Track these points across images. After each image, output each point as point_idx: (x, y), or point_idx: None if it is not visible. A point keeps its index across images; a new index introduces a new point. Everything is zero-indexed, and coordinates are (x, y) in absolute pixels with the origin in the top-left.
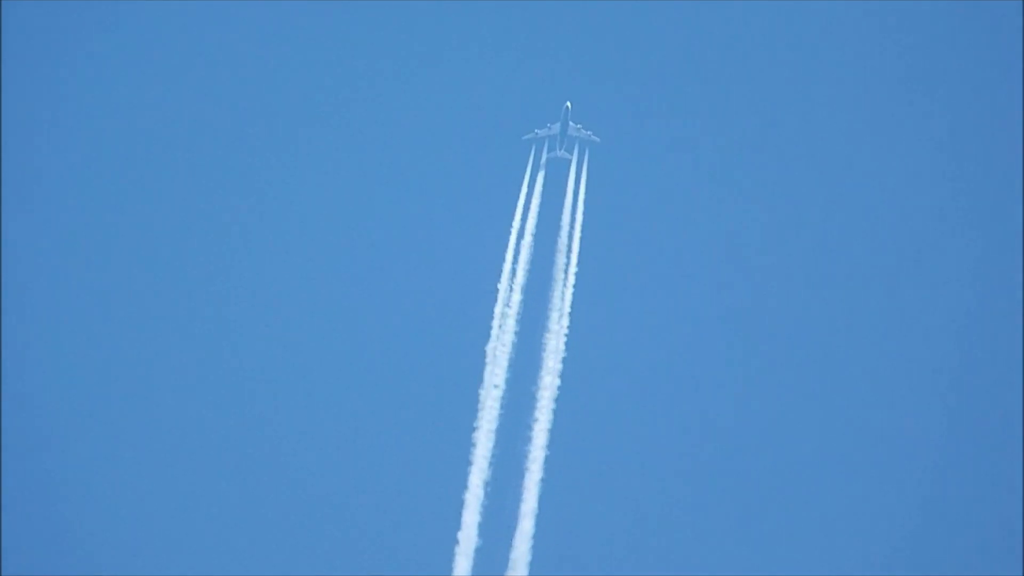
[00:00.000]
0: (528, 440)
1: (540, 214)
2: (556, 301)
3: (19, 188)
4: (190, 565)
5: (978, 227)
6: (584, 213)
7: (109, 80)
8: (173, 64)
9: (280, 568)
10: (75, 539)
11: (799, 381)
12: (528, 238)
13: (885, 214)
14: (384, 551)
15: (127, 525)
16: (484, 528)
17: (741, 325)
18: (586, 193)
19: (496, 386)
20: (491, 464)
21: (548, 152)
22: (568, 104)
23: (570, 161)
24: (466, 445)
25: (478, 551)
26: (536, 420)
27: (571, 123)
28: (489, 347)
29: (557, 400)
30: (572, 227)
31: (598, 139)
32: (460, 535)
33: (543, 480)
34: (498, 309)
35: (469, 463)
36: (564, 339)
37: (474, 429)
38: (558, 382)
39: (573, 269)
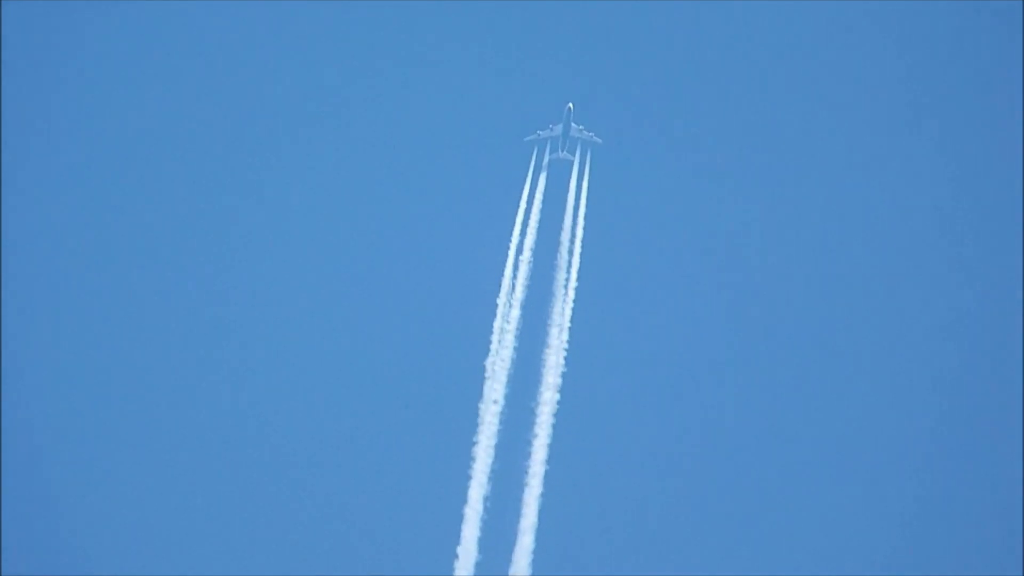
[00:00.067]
0: (528, 455)
1: (542, 216)
2: (556, 316)
3: (19, 188)
4: (190, 566)
5: (978, 227)
6: (586, 216)
7: (109, 80)
8: (173, 64)
9: None
10: (75, 539)
11: (801, 388)
12: (528, 251)
13: (886, 215)
14: (384, 566)
15: (127, 525)
16: (484, 543)
17: (744, 334)
18: (588, 195)
19: (495, 401)
20: (491, 479)
21: (550, 153)
22: (570, 105)
23: (572, 163)
24: (466, 459)
25: (478, 566)
26: (536, 435)
27: (573, 124)
28: (488, 362)
29: (557, 415)
30: (573, 231)
31: (600, 140)
32: (460, 550)
33: (543, 495)
34: (497, 324)
35: (469, 478)
36: (564, 354)
37: (474, 444)
38: (558, 397)
39: (573, 283)
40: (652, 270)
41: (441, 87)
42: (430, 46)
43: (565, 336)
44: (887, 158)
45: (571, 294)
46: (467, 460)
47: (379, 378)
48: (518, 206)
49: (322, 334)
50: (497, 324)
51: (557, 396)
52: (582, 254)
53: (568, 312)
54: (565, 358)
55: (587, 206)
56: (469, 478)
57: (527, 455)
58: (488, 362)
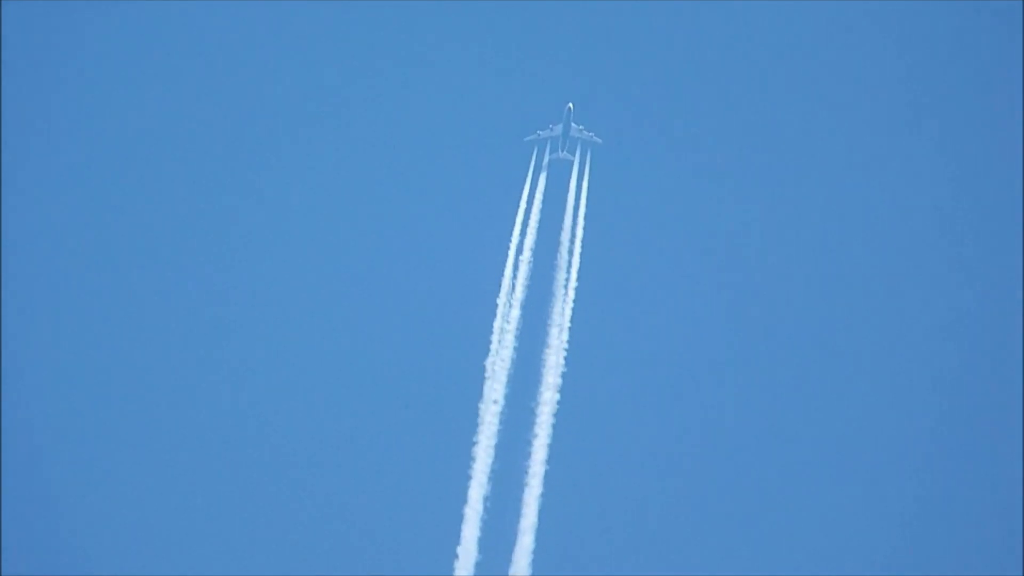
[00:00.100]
0: (528, 455)
1: (542, 216)
2: (556, 316)
3: (19, 188)
4: (190, 567)
5: (978, 227)
6: (586, 216)
7: (109, 80)
8: (173, 64)
9: None
10: (75, 539)
11: (801, 388)
12: (528, 252)
13: (886, 215)
14: (384, 566)
15: (127, 525)
16: (484, 543)
17: (744, 334)
18: (588, 195)
19: (495, 401)
20: (491, 479)
21: (550, 153)
22: (570, 105)
23: (572, 163)
24: (466, 459)
25: (478, 566)
26: (536, 435)
27: (573, 124)
28: (488, 362)
29: (557, 415)
30: (573, 231)
31: (600, 140)
32: (460, 550)
33: (543, 495)
34: (497, 324)
35: (469, 478)
36: (564, 354)
37: (474, 443)
38: (558, 397)
39: (573, 283)
40: (652, 270)
41: (441, 87)
42: (430, 46)
43: (565, 336)
44: (887, 158)
45: (571, 294)
46: (467, 460)
47: (379, 378)
48: (518, 206)
49: (322, 334)
50: (497, 324)
51: (557, 396)
52: (582, 254)
53: (568, 312)
54: (565, 358)
55: (587, 206)
56: (469, 478)
57: (527, 455)
58: (488, 362)
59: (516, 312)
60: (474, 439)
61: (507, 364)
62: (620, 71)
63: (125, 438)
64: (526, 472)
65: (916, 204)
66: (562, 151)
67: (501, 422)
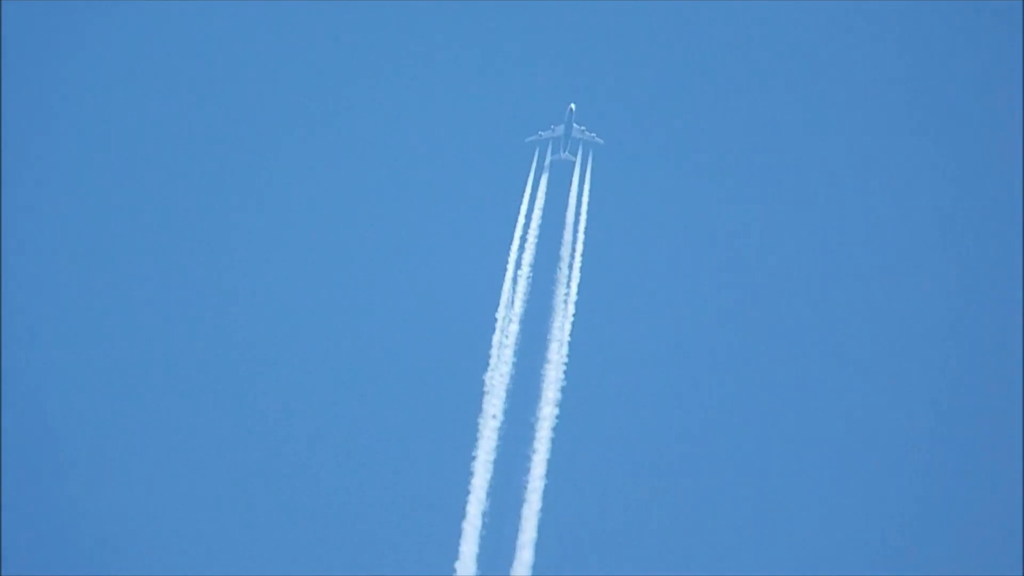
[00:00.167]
0: (527, 470)
1: (543, 218)
2: (556, 331)
3: (19, 188)
4: (190, 567)
5: (978, 227)
6: (587, 218)
7: (109, 80)
8: (173, 64)
9: None
10: (75, 539)
11: (801, 395)
12: (527, 267)
13: (887, 215)
14: None
15: (128, 525)
16: (482, 559)
17: (747, 345)
18: (589, 196)
19: (494, 416)
20: (489, 494)
21: (552, 154)
22: (572, 106)
23: (574, 163)
24: (465, 474)
25: None
26: (535, 450)
27: (575, 125)
28: (487, 376)
29: (556, 430)
30: (575, 234)
31: (602, 141)
32: (458, 565)
33: (542, 510)
34: (496, 338)
35: (467, 492)
36: (563, 369)
37: (473, 458)
38: (557, 412)
39: (573, 298)
40: (653, 274)
41: (443, 88)
42: (431, 47)
43: (565, 351)
44: (887, 158)
45: (571, 308)
46: (466, 475)
47: (378, 391)
48: (520, 206)
49: (320, 345)
50: (496, 338)
51: (556, 411)
52: (583, 257)
53: (568, 327)
54: (564, 373)
55: (588, 207)
56: (468, 493)
57: (526, 470)
58: (487, 376)
59: (515, 327)
60: (473, 454)
61: (506, 379)
62: (622, 72)
63: (126, 437)
64: (525, 487)
65: (916, 204)
66: (564, 152)
67: (500, 437)
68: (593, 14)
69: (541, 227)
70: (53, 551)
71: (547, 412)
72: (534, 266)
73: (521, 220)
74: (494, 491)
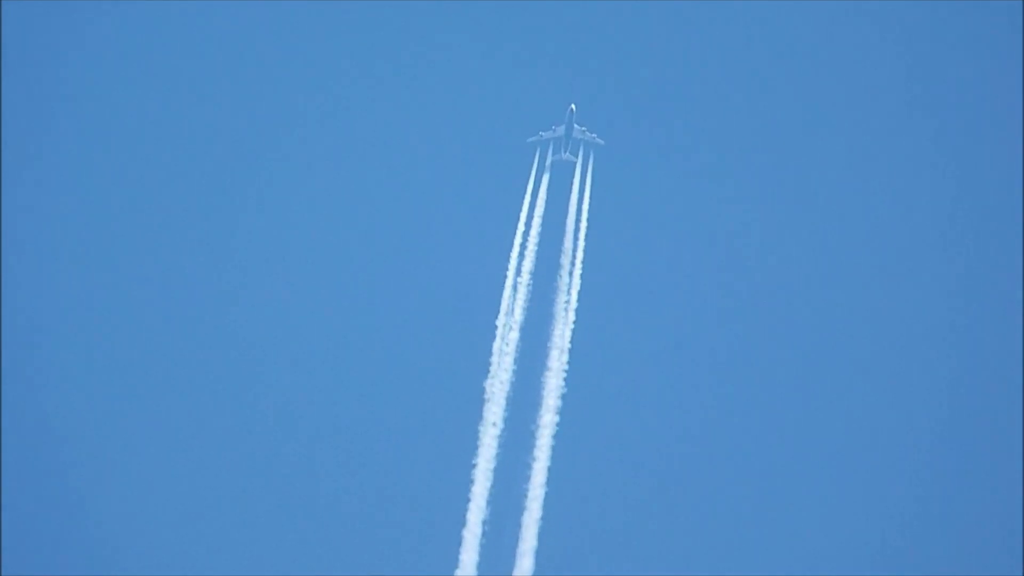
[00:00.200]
0: (527, 478)
1: (544, 220)
2: (556, 339)
3: (19, 188)
4: (191, 566)
5: (978, 227)
6: (588, 219)
7: (109, 80)
8: (173, 64)
9: None
10: (75, 539)
11: (803, 399)
12: (527, 274)
13: (887, 215)
14: None
15: (128, 525)
16: (482, 567)
17: (749, 352)
18: (590, 196)
19: (495, 424)
20: (490, 502)
21: (553, 155)
22: (573, 107)
23: (575, 164)
24: (465, 482)
25: None
26: (535, 458)
27: (576, 125)
28: (488, 383)
29: (556, 438)
30: (576, 236)
31: (603, 142)
32: (458, 573)
33: (542, 519)
34: (497, 345)
35: (468, 500)
36: (564, 376)
37: (473, 466)
38: (557, 419)
39: (574, 305)
40: (654, 280)
41: (443, 89)
42: (432, 48)
43: (565, 358)
44: (888, 158)
45: (571, 316)
46: (466, 483)
47: (378, 398)
48: (520, 207)
49: (320, 350)
50: (496, 345)
51: (557, 419)
52: (584, 260)
53: (568, 334)
54: (565, 380)
55: (589, 209)
56: (468, 501)
57: (526, 478)
58: (487, 384)
59: (515, 334)
60: (473, 461)
61: (506, 386)
62: (623, 73)
63: (126, 438)
64: (525, 495)
65: (917, 205)
66: (565, 152)
67: (500, 444)
68: (594, 14)
69: (542, 231)
70: (53, 551)
71: (547, 420)
72: (534, 273)
73: (521, 225)
74: (494, 499)
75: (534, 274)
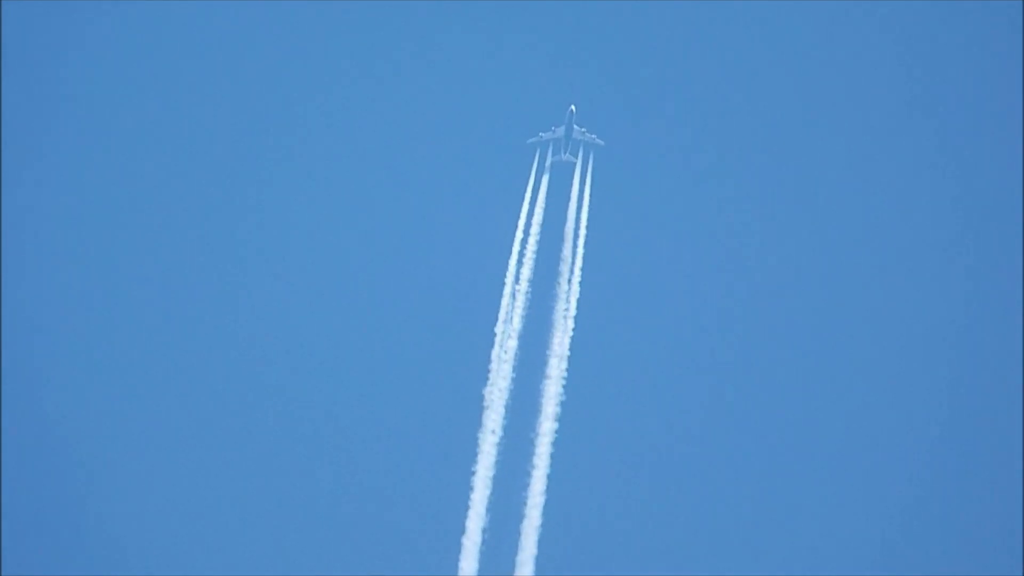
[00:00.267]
0: (526, 486)
1: (544, 222)
2: (556, 347)
3: (19, 188)
4: (192, 566)
5: (978, 227)
6: (588, 220)
7: (109, 80)
8: (173, 64)
9: None
10: (75, 539)
11: (805, 403)
12: (524, 284)
13: (888, 215)
14: None
15: (128, 525)
16: (482, 574)
17: (750, 357)
18: (591, 197)
19: (494, 431)
20: (489, 510)
21: (552, 156)
22: (572, 107)
23: (574, 165)
24: (464, 490)
25: None
26: (535, 466)
27: (576, 126)
28: (487, 391)
29: (555, 445)
30: (576, 237)
31: (602, 143)
32: None
33: (541, 527)
34: (495, 352)
35: (467, 508)
36: (562, 384)
37: (472, 474)
38: (556, 427)
39: (573, 313)
40: (654, 286)
41: (443, 89)
42: (432, 47)
43: (564, 366)
44: (890, 160)
45: (570, 324)
46: (465, 490)
47: (377, 404)
48: (520, 209)
49: (317, 356)
50: (495, 353)
51: (556, 426)
52: (583, 267)
53: (567, 342)
54: (564, 387)
55: (589, 210)
56: (467, 508)
57: (525, 486)
58: (487, 391)
59: (514, 342)
60: (472, 469)
61: (505, 393)
62: (622, 73)
63: (126, 438)
64: (524, 503)
65: (918, 206)
66: (564, 153)
67: (500, 452)
68: (594, 15)
69: (541, 235)
70: (53, 551)
71: (547, 427)
72: (533, 281)
73: (519, 233)
74: (493, 506)
75: (533, 281)
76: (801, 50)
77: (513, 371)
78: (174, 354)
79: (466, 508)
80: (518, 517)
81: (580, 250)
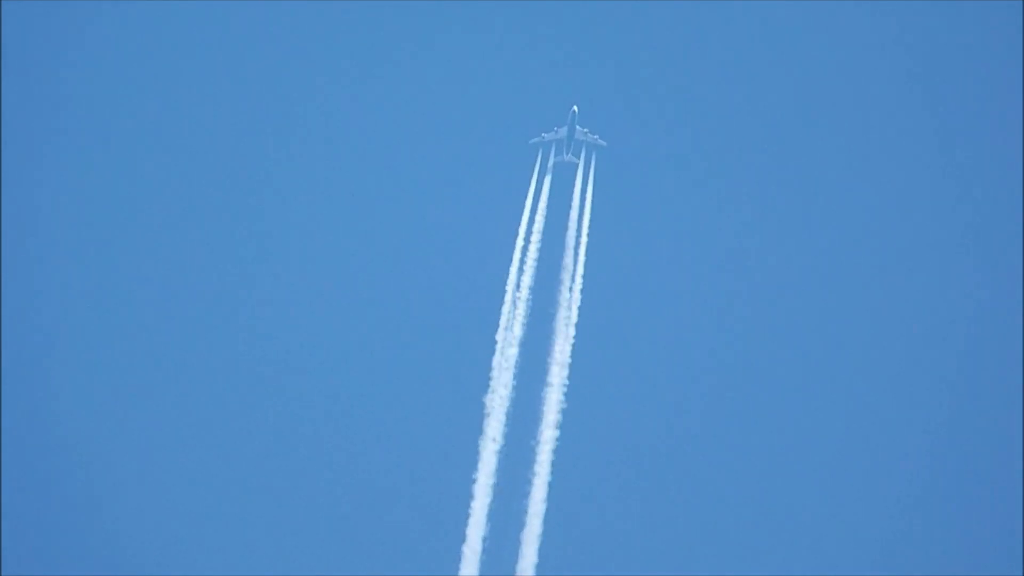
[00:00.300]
0: (527, 494)
1: (546, 223)
2: (557, 354)
3: (19, 188)
4: (193, 566)
5: (978, 227)
6: (590, 222)
7: (110, 80)
8: (174, 64)
9: None
10: (75, 539)
11: (807, 406)
12: (525, 292)
13: (889, 216)
14: None
15: (129, 525)
16: None
17: (751, 365)
18: (592, 198)
19: (494, 439)
20: (489, 518)
21: (555, 156)
22: (575, 108)
23: (577, 165)
24: (465, 497)
25: None
26: (536, 474)
27: (578, 127)
28: (488, 398)
29: (556, 453)
30: (578, 238)
31: (605, 143)
32: None
33: (542, 535)
34: (497, 360)
35: (468, 516)
36: (564, 391)
37: (473, 481)
38: (557, 434)
39: (574, 321)
40: (656, 290)
41: (445, 90)
42: (433, 48)
43: (565, 373)
44: (892, 161)
45: (571, 331)
46: (466, 498)
47: (377, 411)
48: (523, 209)
49: (317, 363)
50: (496, 360)
51: (557, 434)
52: (584, 274)
53: (568, 350)
54: (565, 395)
55: (592, 209)
56: (468, 516)
57: (526, 494)
58: (487, 399)
59: (515, 350)
60: (473, 477)
61: (506, 401)
62: (625, 74)
63: (127, 437)
64: (525, 512)
65: (918, 206)
66: (567, 154)
67: (500, 460)
68: (596, 15)
69: (543, 240)
70: (53, 551)
71: (548, 435)
72: (534, 288)
73: (520, 240)
74: (494, 515)
75: (534, 288)
76: (803, 51)
77: (514, 379)
78: (175, 355)
79: (467, 516)
80: (519, 525)
81: (582, 257)
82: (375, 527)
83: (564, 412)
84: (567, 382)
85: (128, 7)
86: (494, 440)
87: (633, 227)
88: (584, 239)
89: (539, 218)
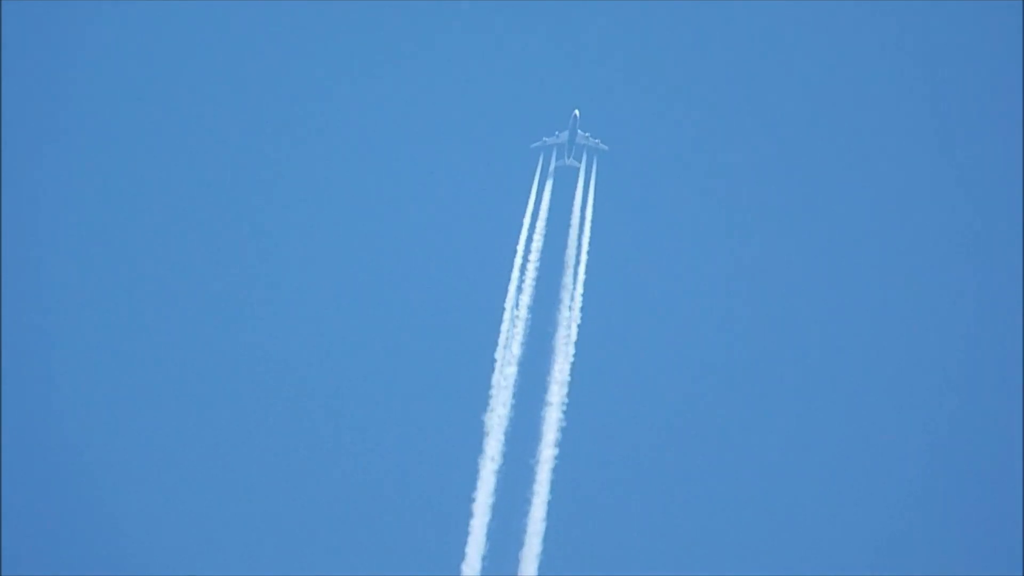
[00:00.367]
0: (526, 513)
1: (548, 227)
2: (556, 373)
3: (19, 188)
4: (193, 566)
5: (978, 227)
6: (591, 227)
7: (110, 80)
8: (174, 64)
9: None
10: (75, 539)
11: (808, 409)
12: (524, 310)
13: (889, 217)
14: None
15: (130, 525)
16: None
17: (753, 372)
18: (594, 202)
19: (493, 458)
20: (489, 536)
21: (556, 160)
22: (576, 112)
23: (578, 169)
24: (464, 517)
25: None
26: (535, 493)
27: (579, 131)
28: (487, 417)
29: (555, 472)
30: (579, 244)
31: (606, 147)
32: None
33: (541, 554)
34: (496, 379)
35: (467, 534)
36: (563, 411)
37: (472, 500)
38: (556, 453)
39: (573, 339)
40: (657, 297)
41: (447, 93)
42: (435, 51)
43: (564, 392)
44: (894, 162)
45: (571, 350)
46: (465, 517)
47: (377, 430)
48: (524, 213)
49: (314, 381)
50: (495, 379)
51: (556, 452)
52: (583, 290)
53: (567, 368)
54: (564, 414)
55: (593, 214)
56: (467, 535)
57: (525, 513)
58: (486, 417)
59: (513, 369)
60: (472, 496)
61: (505, 421)
62: (627, 78)
63: (127, 437)
64: (524, 530)
65: (919, 206)
66: (568, 158)
67: (499, 479)
68: (597, 19)
69: (543, 253)
70: (53, 551)
71: (547, 454)
72: (532, 308)
73: (520, 255)
74: (493, 534)
75: (533, 307)
76: (804, 53)
77: (513, 397)
78: (175, 355)
79: (466, 535)
80: (518, 544)
81: (581, 276)
82: (375, 545)
83: (563, 431)
84: (566, 401)
85: (128, 7)
86: (493, 459)
87: (634, 233)
88: (584, 256)
89: (540, 226)
